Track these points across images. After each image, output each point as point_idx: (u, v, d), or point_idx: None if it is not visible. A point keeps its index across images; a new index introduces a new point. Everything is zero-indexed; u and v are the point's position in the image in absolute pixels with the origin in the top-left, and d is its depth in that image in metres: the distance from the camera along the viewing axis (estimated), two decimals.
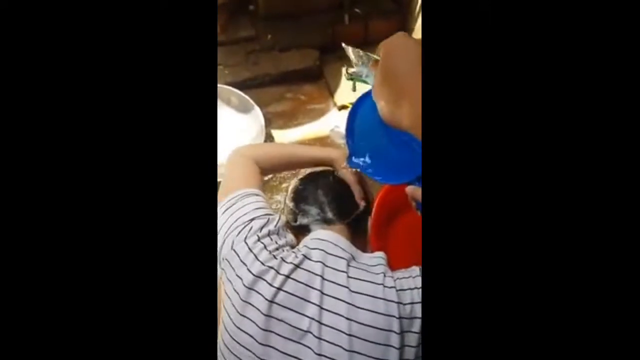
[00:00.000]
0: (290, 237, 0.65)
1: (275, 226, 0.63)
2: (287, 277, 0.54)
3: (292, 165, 0.84)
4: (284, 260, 0.56)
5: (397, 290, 0.55)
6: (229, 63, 1.46)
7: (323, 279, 0.55)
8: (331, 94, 1.48)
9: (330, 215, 0.67)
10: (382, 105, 0.39)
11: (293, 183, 0.76)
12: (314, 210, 0.68)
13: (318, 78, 1.52)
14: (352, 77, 0.53)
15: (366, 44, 1.60)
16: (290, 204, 0.71)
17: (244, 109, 1.32)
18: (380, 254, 0.62)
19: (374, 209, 0.92)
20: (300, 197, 0.71)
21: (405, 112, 0.36)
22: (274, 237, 0.61)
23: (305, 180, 0.75)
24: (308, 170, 0.80)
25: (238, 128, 1.30)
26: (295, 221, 0.69)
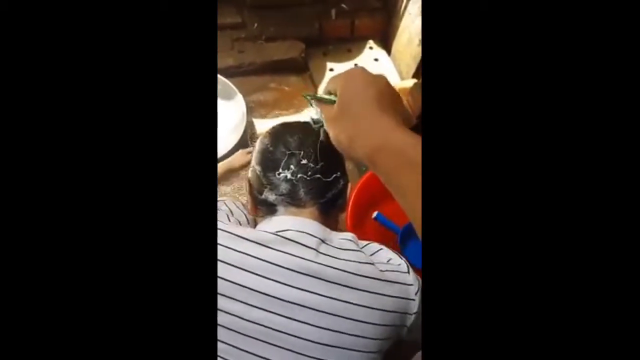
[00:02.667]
0: (237, 212, 0.63)
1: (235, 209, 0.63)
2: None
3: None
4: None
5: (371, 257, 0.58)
6: None
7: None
8: (315, 86, 1.49)
9: (302, 195, 0.59)
10: (336, 135, 0.41)
11: (260, 138, 0.66)
12: (283, 186, 0.59)
13: (303, 70, 1.53)
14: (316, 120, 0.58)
15: (352, 39, 1.63)
16: (258, 168, 0.62)
17: (227, 96, 1.32)
18: (351, 235, 0.61)
19: (351, 200, 0.93)
20: (268, 160, 0.61)
21: (359, 145, 0.38)
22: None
23: (275, 136, 0.63)
24: (283, 121, 0.69)
25: (220, 113, 1.30)
26: (261, 193, 0.61)
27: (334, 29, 1.58)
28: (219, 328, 0.52)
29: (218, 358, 0.52)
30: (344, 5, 1.58)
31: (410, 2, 1.47)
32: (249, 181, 0.65)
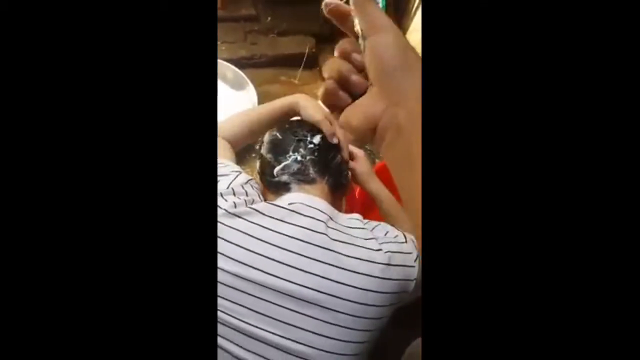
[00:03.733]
0: (252, 192, 0.66)
1: (228, 187, 0.63)
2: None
3: (257, 128, 0.81)
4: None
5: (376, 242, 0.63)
6: (227, 39, 1.49)
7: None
8: (323, 80, 1.53)
9: (311, 172, 0.67)
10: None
11: (269, 132, 0.74)
12: (294, 166, 0.67)
13: (313, 65, 1.57)
14: None
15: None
16: (268, 156, 0.70)
17: (239, 86, 1.36)
18: (357, 215, 0.68)
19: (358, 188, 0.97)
20: (278, 148, 0.70)
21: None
22: (228, 197, 0.62)
23: (283, 129, 0.73)
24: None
25: (231, 103, 1.34)
26: (273, 176, 0.68)
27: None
28: (231, 290, 0.57)
29: (231, 318, 0.58)
30: None
31: (422, 5, 1.51)
32: (259, 171, 0.73)
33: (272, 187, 0.68)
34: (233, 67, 1.36)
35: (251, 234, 0.59)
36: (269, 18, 1.55)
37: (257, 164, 0.73)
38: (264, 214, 0.61)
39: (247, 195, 0.66)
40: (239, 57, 1.46)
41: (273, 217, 0.61)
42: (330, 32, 1.61)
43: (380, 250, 0.61)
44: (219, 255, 0.58)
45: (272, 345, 0.57)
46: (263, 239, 0.59)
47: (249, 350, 0.58)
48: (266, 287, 0.57)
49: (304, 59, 1.49)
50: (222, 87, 1.37)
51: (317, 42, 1.57)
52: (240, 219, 0.60)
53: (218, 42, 1.48)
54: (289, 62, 1.54)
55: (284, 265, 0.58)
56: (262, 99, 1.43)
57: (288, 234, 0.59)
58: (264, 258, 0.58)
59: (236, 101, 1.35)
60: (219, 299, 0.58)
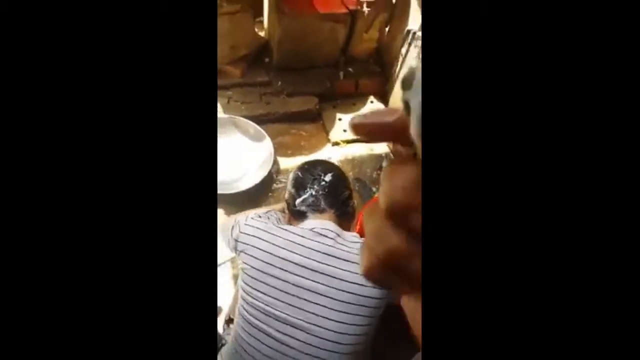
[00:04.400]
0: (275, 217, 0.89)
1: (265, 213, 0.87)
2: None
3: None
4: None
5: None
6: (246, 100, 1.80)
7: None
8: (326, 132, 1.84)
9: (323, 204, 0.88)
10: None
11: (293, 171, 0.97)
12: (310, 199, 0.89)
13: (316, 119, 1.89)
14: None
15: (356, 95, 2.00)
16: (292, 190, 0.92)
17: (258, 138, 1.65)
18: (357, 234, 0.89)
19: (359, 216, 1.22)
20: (299, 184, 0.91)
21: None
22: (263, 217, 0.86)
23: (303, 169, 0.94)
24: (305, 160, 1.01)
25: (252, 153, 1.63)
26: (295, 206, 0.90)
27: (342, 87, 1.95)
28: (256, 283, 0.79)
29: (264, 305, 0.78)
30: (350, 69, 1.97)
31: (404, 68, 1.86)
32: (286, 201, 0.96)
33: (294, 214, 0.91)
34: (253, 123, 1.65)
35: (277, 243, 0.80)
36: (280, 82, 1.88)
37: (286, 194, 0.97)
38: (289, 231, 0.83)
39: (268, 219, 0.89)
40: (256, 114, 1.75)
41: (296, 234, 0.83)
42: (330, 92, 1.94)
43: None
44: (251, 256, 0.81)
45: (293, 326, 0.76)
46: (287, 248, 0.80)
47: (277, 330, 0.76)
48: (288, 282, 0.78)
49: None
50: (245, 141, 1.66)
51: (319, 100, 1.88)
52: (272, 234, 0.82)
53: (239, 103, 1.80)
54: (298, 117, 1.83)
55: (303, 268, 0.79)
56: (278, 147, 1.73)
57: (307, 246, 0.80)
58: (287, 261, 0.79)
59: (256, 150, 1.64)
60: (251, 289, 0.78)
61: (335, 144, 1.79)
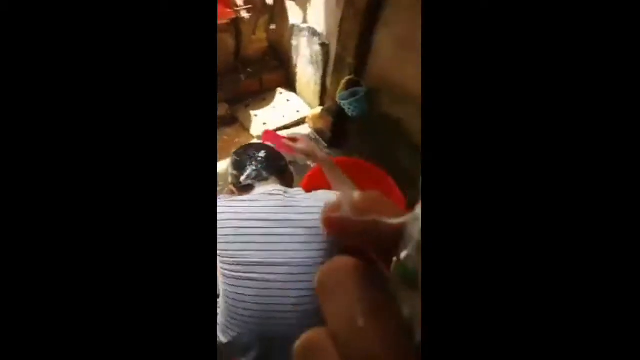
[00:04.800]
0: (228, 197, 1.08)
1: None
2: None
3: None
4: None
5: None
6: None
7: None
8: (247, 130, 2.03)
9: (265, 173, 1.07)
10: None
11: (231, 157, 1.12)
12: (253, 173, 1.04)
13: (234, 122, 2.06)
14: None
15: (265, 90, 2.20)
16: (235, 172, 1.07)
17: None
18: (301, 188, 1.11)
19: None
20: (239, 165, 1.07)
21: None
22: None
23: (238, 153, 1.11)
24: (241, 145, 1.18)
25: None
26: (240, 183, 1.08)
27: (247, 87, 2.15)
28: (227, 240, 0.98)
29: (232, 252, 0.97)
30: (249, 70, 2.16)
31: (299, 56, 2.08)
32: (231, 183, 1.15)
33: (242, 189, 1.09)
34: None
35: (239, 211, 1.00)
36: None
37: (229, 178, 1.14)
38: (245, 200, 1.02)
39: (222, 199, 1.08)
40: None
41: (252, 200, 1.02)
42: (238, 95, 2.10)
43: (317, 197, 1.03)
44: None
45: (269, 265, 0.96)
46: (249, 211, 0.99)
47: (257, 273, 0.96)
48: (257, 235, 0.98)
49: None
50: None
51: (230, 104, 2.03)
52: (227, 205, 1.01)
53: None
54: (219, 124, 1.99)
55: (266, 221, 0.99)
56: None
57: (263, 205, 1.01)
58: (252, 220, 0.99)
59: None
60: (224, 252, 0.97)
61: (258, 137, 1.97)
